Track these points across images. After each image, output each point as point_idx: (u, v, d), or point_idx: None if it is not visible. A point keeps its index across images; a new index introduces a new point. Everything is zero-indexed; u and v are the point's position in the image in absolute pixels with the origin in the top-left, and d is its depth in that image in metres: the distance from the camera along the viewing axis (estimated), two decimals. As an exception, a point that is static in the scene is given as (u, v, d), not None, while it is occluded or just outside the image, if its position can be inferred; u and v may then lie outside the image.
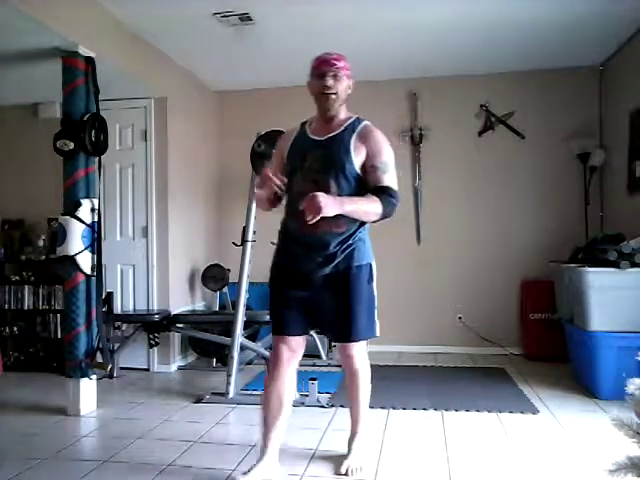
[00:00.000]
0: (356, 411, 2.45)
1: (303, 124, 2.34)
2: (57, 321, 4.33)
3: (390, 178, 2.12)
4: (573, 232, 4.57)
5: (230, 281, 4.46)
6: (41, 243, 4.53)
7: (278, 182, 2.05)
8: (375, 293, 2.26)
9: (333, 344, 4.86)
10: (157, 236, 4.31)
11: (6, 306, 4.43)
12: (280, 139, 2.39)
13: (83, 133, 3.14)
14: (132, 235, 4.36)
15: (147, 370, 4.32)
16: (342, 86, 2.17)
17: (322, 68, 2.15)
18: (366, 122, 2.25)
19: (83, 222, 3.14)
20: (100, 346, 3.26)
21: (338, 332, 2.26)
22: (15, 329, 4.46)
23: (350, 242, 2.15)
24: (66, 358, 3.23)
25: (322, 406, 3.27)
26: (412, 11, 3.56)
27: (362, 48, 4.20)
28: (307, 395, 3.34)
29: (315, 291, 2.16)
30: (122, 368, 4.19)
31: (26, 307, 4.40)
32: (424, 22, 3.73)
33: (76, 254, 3.12)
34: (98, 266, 3.23)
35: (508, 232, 4.78)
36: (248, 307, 3.74)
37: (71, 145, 3.13)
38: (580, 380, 3.67)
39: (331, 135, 2.17)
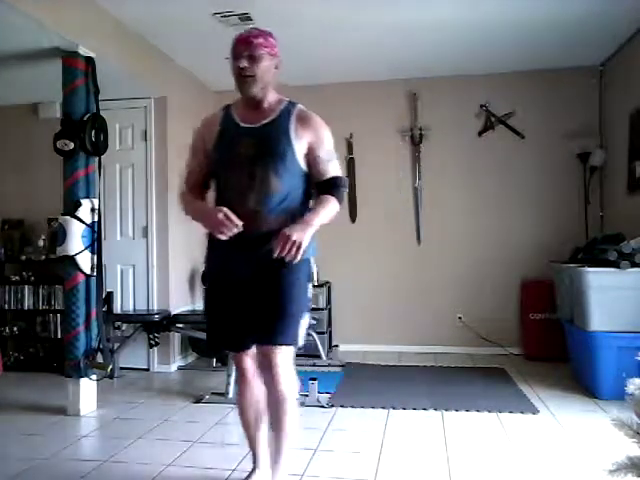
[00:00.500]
0: (278, 445, 1.98)
1: (226, 108, 2.03)
2: (57, 321, 4.33)
3: (335, 166, 1.99)
4: (573, 232, 4.57)
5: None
6: (41, 243, 4.53)
7: (238, 228, 1.77)
8: (310, 295, 2.00)
9: (334, 344, 4.87)
10: (157, 236, 4.31)
11: (6, 306, 4.43)
12: (201, 127, 2.07)
13: (83, 133, 3.14)
14: (132, 235, 4.36)
15: (147, 370, 4.32)
16: (262, 67, 1.87)
17: (237, 48, 1.87)
18: (300, 105, 2.00)
19: (83, 222, 3.14)
20: (101, 346, 3.26)
21: (263, 332, 1.90)
22: (15, 329, 4.46)
23: None
24: (66, 358, 3.23)
25: (322, 406, 3.27)
26: (412, 11, 3.56)
27: (362, 48, 4.20)
28: (307, 395, 3.34)
29: (250, 291, 1.91)
30: (122, 368, 4.19)
31: (26, 307, 4.40)
32: (424, 22, 3.73)
33: (76, 254, 3.12)
34: (98, 266, 3.23)
35: (508, 232, 4.78)
36: (248, 307, 3.74)
37: (71, 145, 3.13)
38: (580, 380, 3.67)
39: (266, 121, 1.92)
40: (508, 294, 4.76)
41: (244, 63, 1.85)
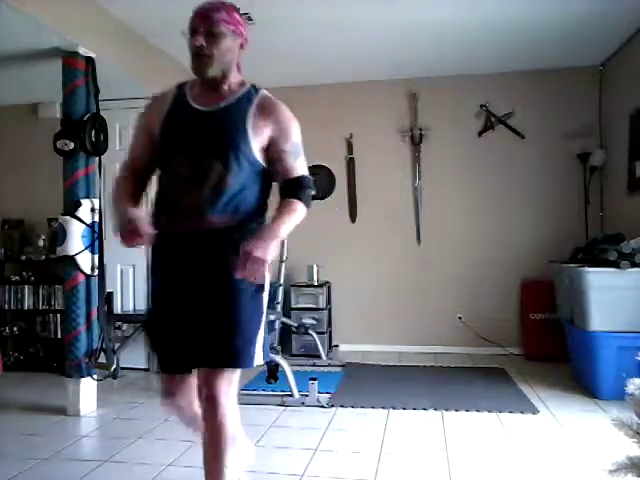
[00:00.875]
0: None
1: (180, 86, 1.77)
2: (57, 321, 4.33)
3: (302, 164, 1.71)
4: (573, 232, 4.57)
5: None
6: (41, 243, 4.53)
7: (147, 237, 1.51)
8: (264, 309, 1.69)
9: (334, 344, 4.87)
10: (157, 236, 4.30)
11: (6, 306, 4.44)
12: (149, 106, 1.82)
13: (83, 133, 3.14)
14: (132, 235, 4.36)
15: (147, 370, 4.32)
16: (223, 46, 1.62)
17: (194, 22, 1.61)
18: (265, 92, 1.78)
19: (83, 222, 3.15)
20: (103, 346, 3.26)
21: (205, 352, 1.59)
22: (15, 329, 4.46)
23: (246, 239, 1.57)
24: (66, 358, 3.23)
25: (322, 406, 3.27)
26: (412, 11, 3.56)
27: (362, 48, 4.20)
28: (307, 395, 3.34)
29: (191, 300, 1.61)
30: (122, 368, 4.18)
31: (26, 307, 4.40)
32: (424, 22, 3.73)
33: (76, 254, 3.12)
34: (100, 266, 3.23)
35: (508, 232, 4.78)
36: (248, 307, 3.74)
37: (71, 145, 3.13)
38: (580, 380, 3.67)
39: (222, 106, 1.65)
40: (508, 294, 4.76)
41: (201, 41, 1.59)
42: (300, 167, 1.70)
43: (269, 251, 1.47)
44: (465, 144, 4.86)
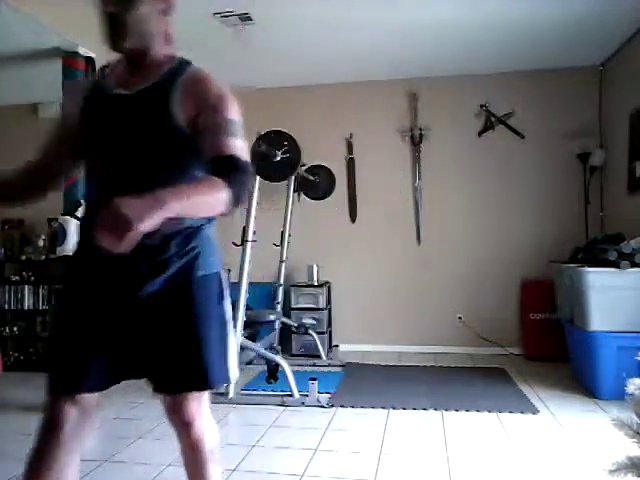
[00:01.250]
0: None
1: (103, 69, 1.48)
2: (57, 321, 4.33)
3: (239, 145, 1.32)
4: (573, 232, 4.57)
5: (230, 281, 4.46)
6: (41, 243, 4.53)
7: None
8: (228, 317, 1.49)
9: (334, 344, 4.87)
10: (157, 236, 4.30)
11: (6, 306, 4.44)
12: (68, 91, 1.56)
13: (83, 133, 3.12)
14: (132, 235, 4.36)
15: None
16: (138, 13, 1.32)
17: None
18: (195, 67, 1.42)
19: (83, 222, 3.14)
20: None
21: (173, 376, 1.38)
22: (15, 329, 4.46)
23: (193, 243, 1.39)
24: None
25: (322, 406, 3.27)
26: (412, 11, 3.56)
27: (362, 48, 4.20)
28: (307, 395, 3.34)
29: (134, 319, 1.36)
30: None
31: (26, 307, 4.41)
32: (424, 22, 3.74)
33: (76, 254, 3.11)
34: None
35: (508, 232, 4.78)
36: (248, 307, 3.74)
37: (71, 145, 3.13)
38: (580, 380, 3.67)
39: (142, 87, 1.35)
40: (508, 294, 4.76)
41: (110, 7, 1.32)
42: (234, 147, 1.30)
43: (143, 214, 1.05)
44: (465, 144, 4.86)
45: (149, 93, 1.35)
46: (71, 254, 1.44)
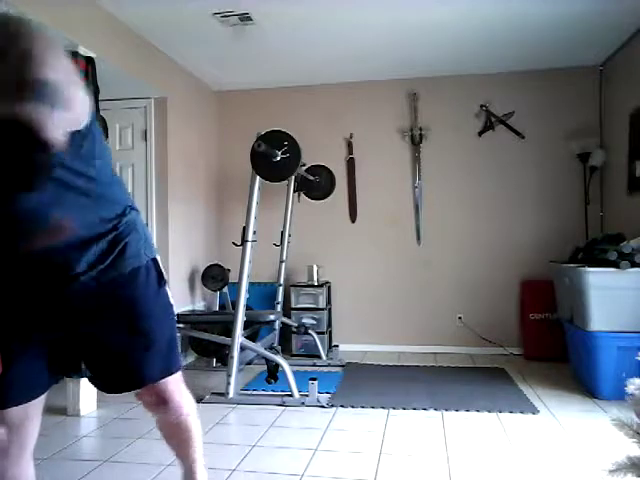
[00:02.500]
0: (193, 467, 1.65)
1: None
2: (57, 321, 4.32)
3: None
4: (573, 232, 4.57)
5: (230, 281, 4.46)
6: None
7: None
8: (171, 300, 1.49)
9: (334, 344, 4.87)
10: (157, 236, 4.30)
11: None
12: None
13: (83, 133, 3.12)
14: (132, 235, 4.36)
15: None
16: None
17: None
18: None
19: (83, 222, 3.14)
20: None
21: (134, 372, 1.42)
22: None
23: (112, 238, 1.29)
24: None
25: (322, 406, 3.27)
26: (412, 11, 3.56)
27: (362, 48, 4.20)
28: (307, 395, 3.34)
29: (71, 324, 1.31)
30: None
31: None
32: (424, 22, 3.73)
33: (76, 254, 3.11)
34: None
35: (508, 232, 4.78)
36: (248, 307, 3.74)
37: (71, 145, 3.12)
38: (580, 380, 3.67)
39: None
40: (508, 294, 4.76)
41: None
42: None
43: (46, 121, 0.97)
44: (465, 144, 4.86)
45: None
46: None
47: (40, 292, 1.24)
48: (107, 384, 1.46)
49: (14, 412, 1.28)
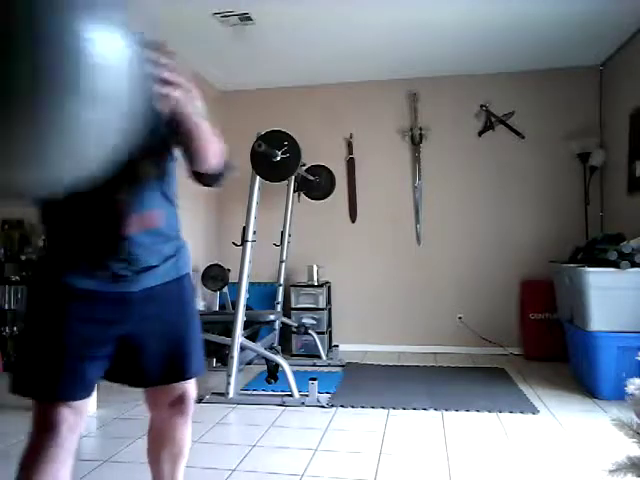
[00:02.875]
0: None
1: None
2: (57, 321, 4.32)
3: None
4: (573, 232, 4.57)
5: (230, 281, 4.46)
6: (41, 243, 4.52)
7: None
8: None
9: (334, 344, 4.87)
10: (157, 236, 4.30)
11: (6, 306, 4.43)
12: None
13: (83, 133, 3.12)
14: (132, 235, 4.36)
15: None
16: None
17: None
18: None
19: (83, 222, 3.14)
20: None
21: (182, 364, 1.48)
22: (15, 329, 4.46)
23: (179, 245, 1.50)
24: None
25: (322, 406, 3.27)
26: (412, 11, 3.56)
27: (362, 48, 4.20)
28: (307, 395, 3.34)
29: (134, 320, 1.38)
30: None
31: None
32: (424, 22, 3.74)
33: (76, 254, 3.11)
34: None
35: (508, 232, 4.79)
36: (248, 307, 3.74)
37: (71, 145, 3.12)
38: (580, 380, 3.67)
39: None
40: (508, 294, 4.76)
41: None
42: None
43: (188, 99, 1.19)
44: (465, 144, 4.86)
45: None
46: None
47: (123, 277, 1.35)
48: (148, 377, 1.47)
49: (82, 403, 1.35)
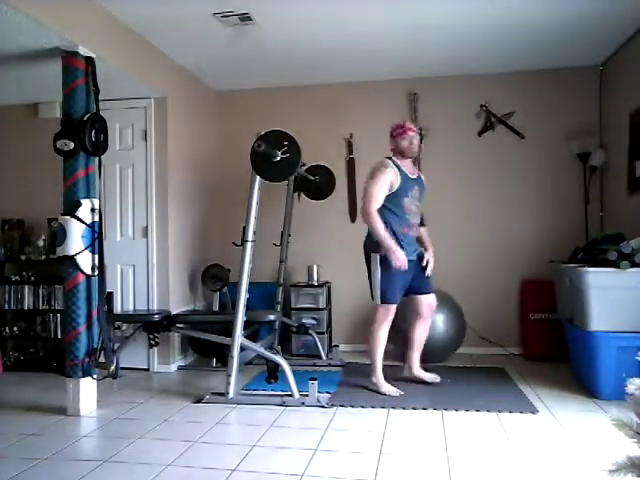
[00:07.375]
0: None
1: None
2: (57, 321, 4.33)
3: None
4: (573, 232, 4.57)
5: (230, 281, 4.46)
6: (41, 243, 4.53)
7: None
8: None
9: (334, 344, 4.87)
10: (157, 236, 4.31)
11: (6, 306, 4.43)
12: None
13: (83, 133, 3.13)
14: (132, 235, 4.36)
15: (147, 370, 4.32)
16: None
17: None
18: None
19: (83, 222, 3.14)
20: (103, 346, 3.26)
21: (430, 285, 3.67)
22: (15, 329, 4.46)
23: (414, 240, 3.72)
24: (66, 358, 3.23)
25: (322, 406, 3.27)
26: (412, 11, 3.56)
27: (362, 48, 4.20)
28: (307, 395, 3.34)
29: (413, 268, 3.56)
30: (122, 368, 4.17)
31: (26, 307, 4.40)
32: (424, 22, 3.74)
33: (76, 254, 3.12)
34: (100, 266, 3.23)
35: (508, 232, 4.79)
36: (248, 307, 3.74)
37: (71, 145, 3.13)
38: (580, 380, 3.67)
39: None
40: (508, 294, 4.76)
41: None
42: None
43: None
44: (465, 144, 4.86)
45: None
46: None
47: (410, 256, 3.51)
48: (422, 290, 3.63)
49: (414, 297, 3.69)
